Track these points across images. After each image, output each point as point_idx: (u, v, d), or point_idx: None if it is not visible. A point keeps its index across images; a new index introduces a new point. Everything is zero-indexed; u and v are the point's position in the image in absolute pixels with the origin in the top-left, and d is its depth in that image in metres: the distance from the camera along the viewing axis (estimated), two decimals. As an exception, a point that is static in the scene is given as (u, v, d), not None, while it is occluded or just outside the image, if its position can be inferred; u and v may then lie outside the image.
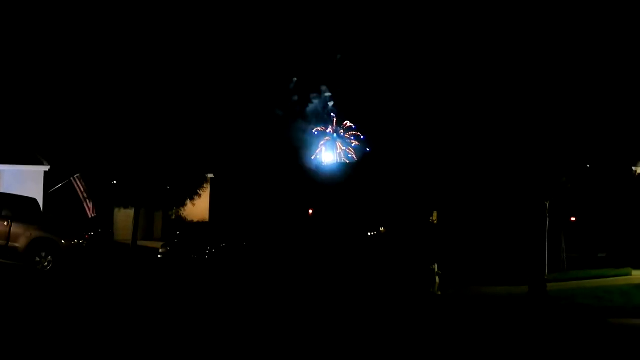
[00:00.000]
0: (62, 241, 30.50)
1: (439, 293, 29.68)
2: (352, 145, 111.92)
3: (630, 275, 34.70)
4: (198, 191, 44.42)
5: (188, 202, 44.67)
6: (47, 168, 41.65)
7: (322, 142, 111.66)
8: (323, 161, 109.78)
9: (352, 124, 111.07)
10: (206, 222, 50.93)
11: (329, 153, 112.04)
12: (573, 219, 45.76)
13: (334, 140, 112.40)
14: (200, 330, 18.40)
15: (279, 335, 18.31)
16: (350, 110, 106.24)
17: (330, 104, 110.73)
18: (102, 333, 17.26)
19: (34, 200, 32.42)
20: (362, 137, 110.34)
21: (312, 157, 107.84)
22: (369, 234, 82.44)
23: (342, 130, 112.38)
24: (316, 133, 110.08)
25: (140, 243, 43.89)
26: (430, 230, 70.89)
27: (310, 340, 17.87)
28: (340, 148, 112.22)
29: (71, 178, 40.81)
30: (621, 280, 32.68)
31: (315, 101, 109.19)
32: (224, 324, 19.60)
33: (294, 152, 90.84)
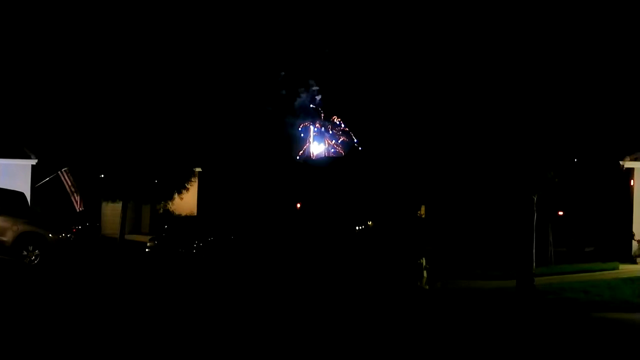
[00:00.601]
0: (50, 235, 30.46)
1: (427, 287, 29.68)
2: (340, 140, 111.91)
3: (618, 269, 34.76)
4: (186, 185, 44.39)
5: (176, 195, 44.63)
6: (34, 162, 41.52)
7: (310, 137, 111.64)
8: (311, 155, 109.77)
9: (340, 119, 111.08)
10: (194, 216, 50.90)
11: (317, 147, 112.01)
12: (560, 213, 45.88)
13: (322, 134, 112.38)
14: (188, 323, 18.39)
15: (267, 328, 18.31)
16: (338, 105, 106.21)
17: (318, 97, 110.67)
18: (89, 326, 17.23)
19: (21, 194, 32.39)
20: (349, 132, 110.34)
21: (300, 152, 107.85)
22: (357, 228, 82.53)
23: (330, 126, 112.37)
24: (302, 134, 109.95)
25: (128, 237, 43.84)
26: (418, 225, 70.98)
27: (299, 334, 17.87)
28: (328, 143, 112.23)
29: (59, 172, 40.70)
30: (609, 275, 32.75)
31: (303, 95, 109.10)
32: (211, 317, 19.59)
33: (282, 146, 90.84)
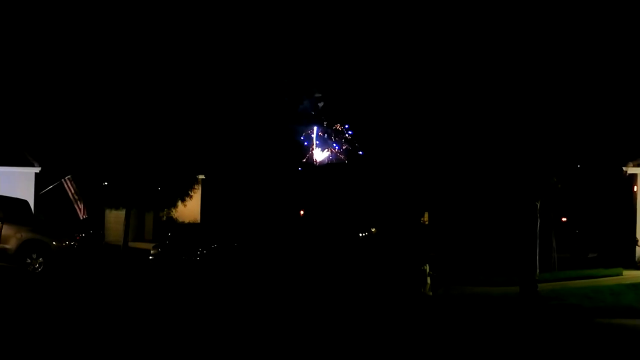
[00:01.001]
0: (53, 242, 30.49)
1: (430, 293, 29.69)
2: (343, 148, 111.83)
3: (621, 275, 34.73)
4: (189, 192, 44.41)
5: (179, 203, 44.66)
6: (38, 169, 41.62)
7: (313, 144, 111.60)
8: (314, 162, 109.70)
9: (342, 126, 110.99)
10: (197, 223, 50.88)
11: (320, 154, 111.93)
12: (564, 219, 45.89)
13: (325, 141, 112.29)
14: (193, 330, 18.40)
15: (272, 336, 18.33)
16: (341, 111, 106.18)
17: (320, 104, 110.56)
18: (93, 334, 17.25)
19: (25, 202, 32.41)
20: (352, 139, 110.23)
21: (304, 159, 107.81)
22: (360, 234, 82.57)
23: (333, 133, 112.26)
24: (305, 141, 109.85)
25: (131, 244, 43.85)
26: (422, 231, 71.01)
27: (304, 341, 17.88)
28: (332, 150, 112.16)
29: (62, 179, 40.79)
30: (612, 280, 32.71)
31: (306, 102, 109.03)
32: (216, 325, 19.61)
33: (285, 154, 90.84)
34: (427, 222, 75.47)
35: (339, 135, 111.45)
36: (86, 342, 16.26)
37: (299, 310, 23.69)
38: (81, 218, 41.20)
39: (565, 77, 42.97)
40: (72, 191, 40.78)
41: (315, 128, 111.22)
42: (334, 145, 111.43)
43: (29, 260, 29.73)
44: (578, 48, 47.85)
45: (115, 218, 46.59)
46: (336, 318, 22.11)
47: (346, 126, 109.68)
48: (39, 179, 41.84)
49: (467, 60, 61.64)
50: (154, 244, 40.51)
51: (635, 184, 39.37)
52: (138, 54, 43.25)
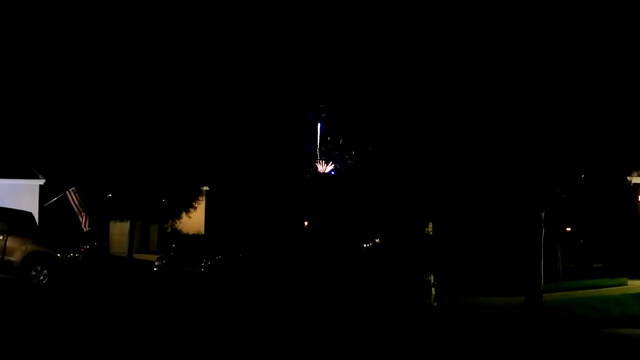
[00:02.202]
0: (58, 255, 30.45)
1: (435, 304, 29.70)
2: (347, 159, 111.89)
3: (626, 285, 34.74)
4: (193, 204, 44.37)
5: (183, 214, 44.61)
6: (42, 182, 41.66)
7: (317, 155, 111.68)
8: (319, 174, 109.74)
9: (347, 137, 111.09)
10: (202, 235, 50.89)
11: (324, 166, 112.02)
12: (568, 229, 45.85)
13: (329, 153, 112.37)
14: (197, 341, 18.40)
15: (276, 347, 18.31)
16: (345, 122, 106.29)
17: (324, 115, 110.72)
18: (100, 345, 17.25)
19: (30, 214, 32.42)
20: (357, 150, 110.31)
21: (308, 172, 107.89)
22: (365, 245, 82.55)
23: (337, 144, 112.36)
24: (309, 152, 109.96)
25: (136, 256, 43.82)
26: (426, 241, 70.95)
27: (308, 351, 17.86)
28: (335, 162, 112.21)
29: (66, 191, 40.80)
30: (617, 290, 32.71)
31: (310, 114, 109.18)
32: (219, 336, 19.60)
33: (289, 165, 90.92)
34: (431, 233, 75.42)
35: (343, 145, 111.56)
36: (91, 353, 16.27)
37: (303, 320, 23.68)
38: (85, 230, 41.18)
39: (570, 88, 43.02)
40: (76, 203, 40.77)
41: (318, 140, 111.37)
42: (338, 155, 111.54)
43: (33, 272, 29.69)
44: (583, 59, 47.92)
45: (119, 230, 46.57)
46: (341, 328, 22.09)
47: (349, 142, 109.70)
48: (43, 191, 41.87)
49: (472, 71, 61.75)
50: (158, 256, 40.51)
51: (640, 193, 39.38)
52: (143, 65, 43.29)
